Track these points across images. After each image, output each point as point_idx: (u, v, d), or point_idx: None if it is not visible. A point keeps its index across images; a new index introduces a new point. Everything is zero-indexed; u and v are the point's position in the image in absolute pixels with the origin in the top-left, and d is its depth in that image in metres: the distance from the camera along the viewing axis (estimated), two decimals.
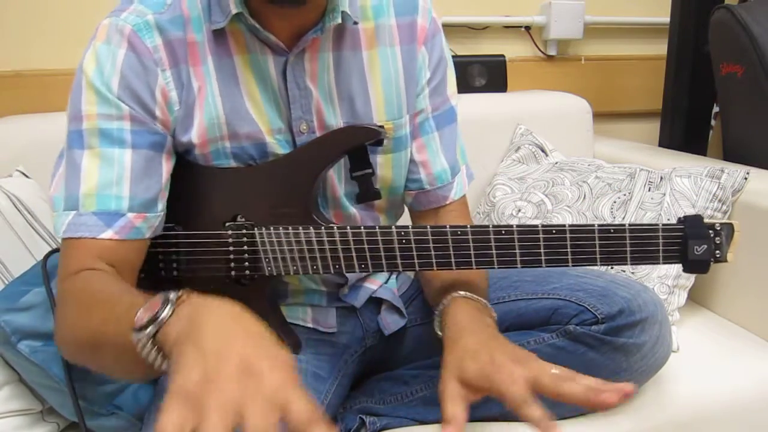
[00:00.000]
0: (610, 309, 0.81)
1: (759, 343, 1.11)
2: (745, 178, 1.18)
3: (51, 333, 0.77)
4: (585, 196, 1.26)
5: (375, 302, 0.92)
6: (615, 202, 1.22)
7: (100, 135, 0.71)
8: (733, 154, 1.45)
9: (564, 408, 0.86)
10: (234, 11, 0.73)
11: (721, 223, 0.73)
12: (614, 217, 1.19)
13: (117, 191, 0.71)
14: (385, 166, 0.85)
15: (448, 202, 0.90)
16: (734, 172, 1.19)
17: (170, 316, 0.54)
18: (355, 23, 0.79)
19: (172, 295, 0.56)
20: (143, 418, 0.72)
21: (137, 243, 0.73)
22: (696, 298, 1.25)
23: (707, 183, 1.18)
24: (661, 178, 1.23)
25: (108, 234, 0.70)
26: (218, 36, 0.75)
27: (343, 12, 0.76)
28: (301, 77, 0.78)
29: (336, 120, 0.81)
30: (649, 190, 1.22)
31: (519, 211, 1.27)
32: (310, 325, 0.89)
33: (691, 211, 1.17)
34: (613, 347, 0.81)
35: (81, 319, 0.65)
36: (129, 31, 0.72)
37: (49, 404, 0.84)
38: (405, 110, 0.84)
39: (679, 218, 0.72)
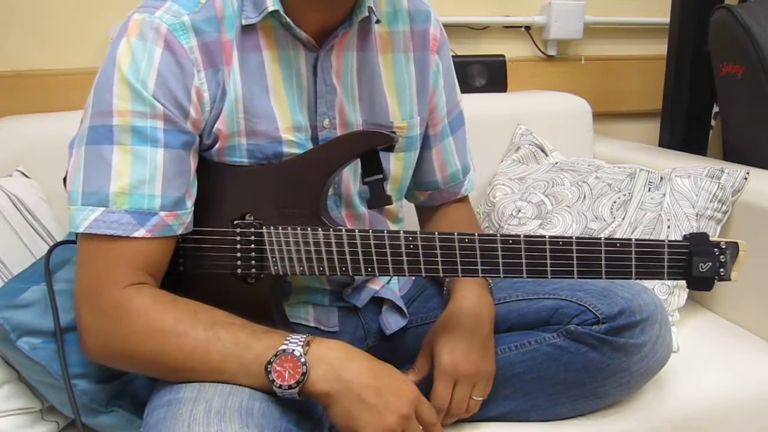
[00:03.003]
0: (610, 309, 0.81)
1: (759, 343, 1.11)
2: (745, 178, 1.18)
3: (50, 330, 0.77)
4: (585, 196, 1.26)
5: (376, 302, 0.92)
6: (615, 202, 1.22)
7: (132, 132, 0.70)
8: (733, 154, 1.45)
9: (563, 408, 0.86)
10: (271, 8, 0.73)
11: (726, 242, 0.73)
12: (614, 218, 1.19)
13: (150, 190, 0.70)
14: (396, 165, 0.88)
15: (458, 198, 0.98)
16: (734, 172, 1.19)
17: (310, 371, 0.66)
18: (378, 21, 0.82)
19: (299, 352, 0.66)
20: (143, 415, 0.71)
21: (168, 240, 0.73)
22: (696, 298, 1.25)
23: (707, 183, 1.18)
24: (661, 178, 1.23)
25: (141, 233, 0.70)
26: (247, 31, 0.76)
27: (369, 7, 0.78)
28: (328, 74, 0.80)
29: (356, 118, 0.83)
30: (649, 191, 1.22)
31: (519, 211, 1.27)
32: (312, 324, 0.89)
33: (691, 212, 1.17)
34: (613, 347, 0.81)
35: (149, 346, 0.69)
36: (165, 31, 0.72)
37: (49, 403, 0.84)
38: (416, 112, 0.88)
39: (685, 235, 0.73)
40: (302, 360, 0.65)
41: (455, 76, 0.96)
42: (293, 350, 0.65)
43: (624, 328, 0.81)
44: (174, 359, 0.68)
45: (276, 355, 0.65)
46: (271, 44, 0.77)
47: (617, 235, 1.16)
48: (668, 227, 1.15)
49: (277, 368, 0.65)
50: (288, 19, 0.74)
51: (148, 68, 0.71)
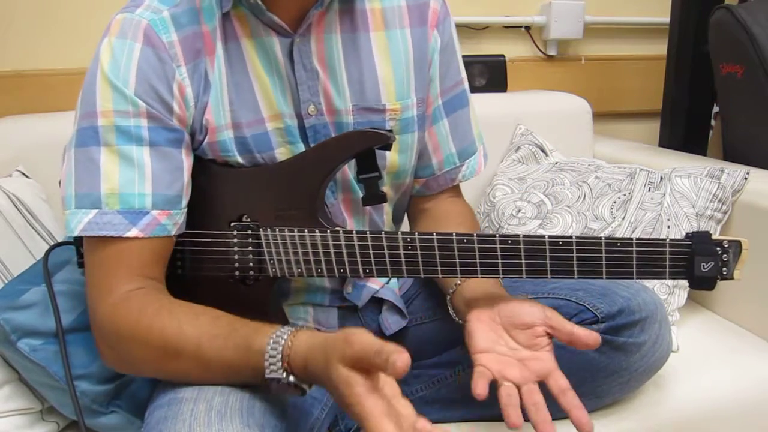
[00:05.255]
0: (610, 308, 0.81)
1: (759, 343, 1.11)
2: (745, 178, 1.18)
3: (51, 331, 0.77)
4: (585, 196, 1.26)
5: (376, 302, 0.92)
6: (615, 202, 1.22)
7: (117, 132, 0.70)
8: (733, 154, 1.45)
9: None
10: None
11: (729, 240, 0.72)
12: (614, 218, 1.19)
13: (140, 189, 0.70)
14: (392, 150, 0.84)
15: (453, 185, 0.94)
16: (734, 172, 1.19)
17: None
18: None
19: (286, 380, 0.63)
20: (143, 415, 0.72)
21: (164, 241, 0.73)
22: (696, 298, 1.25)
23: (707, 183, 1.18)
24: (661, 178, 1.23)
25: (133, 232, 0.70)
26: (226, 21, 0.75)
27: None
28: (308, 58, 0.78)
29: (344, 103, 0.81)
30: (649, 190, 1.22)
31: (519, 211, 1.27)
32: (311, 325, 0.89)
33: (691, 212, 1.17)
34: (612, 346, 0.81)
35: (147, 360, 0.69)
36: (145, 26, 0.72)
37: (49, 403, 0.84)
38: (413, 92, 0.85)
39: (687, 234, 0.72)
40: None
41: (458, 53, 0.90)
42: (280, 379, 0.63)
43: (623, 327, 0.81)
44: (175, 376, 0.68)
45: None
46: (246, 32, 0.76)
47: (617, 235, 1.16)
48: (668, 227, 1.15)
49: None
50: (256, 1, 0.73)
51: (128, 65, 0.71)
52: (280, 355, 0.62)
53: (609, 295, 0.82)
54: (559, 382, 0.68)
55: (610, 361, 0.81)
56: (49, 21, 1.35)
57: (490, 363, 0.70)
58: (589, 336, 0.69)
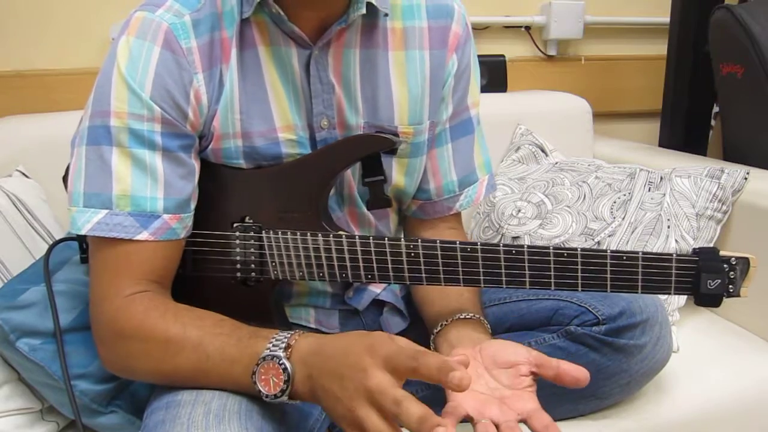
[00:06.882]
0: (611, 310, 0.81)
1: (759, 343, 1.11)
2: (745, 178, 1.18)
3: (50, 331, 0.77)
4: (585, 196, 1.26)
5: (377, 304, 0.92)
6: (615, 202, 1.22)
7: (130, 134, 0.69)
8: (733, 154, 1.46)
9: (563, 408, 0.86)
10: None
11: (736, 258, 0.71)
12: (614, 218, 1.19)
13: (152, 193, 0.70)
14: (398, 171, 0.84)
15: (450, 213, 0.90)
16: (734, 172, 1.19)
17: (294, 375, 0.61)
18: (386, 15, 0.78)
19: (279, 358, 0.61)
20: (142, 416, 0.71)
21: (173, 244, 0.72)
22: None
23: (707, 183, 1.19)
24: (661, 178, 1.23)
25: (144, 235, 0.69)
26: (245, 27, 0.74)
27: (368, 3, 0.75)
28: (324, 72, 0.77)
29: (357, 119, 0.80)
30: (649, 190, 1.22)
31: (519, 211, 1.27)
32: (313, 326, 0.89)
33: (691, 212, 1.17)
34: (613, 348, 0.81)
35: (147, 367, 0.69)
36: (166, 29, 0.70)
37: (48, 403, 0.84)
38: (426, 116, 0.84)
39: (694, 249, 0.71)
40: (283, 366, 0.61)
41: (475, 78, 0.89)
42: (273, 356, 0.61)
43: (624, 329, 0.80)
44: (174, 379, 0.68)
45: (258, 364, 0.62)
46: (264, 40, 0.75)
47: (617, 235, 1.16)
48: (668, 227, 1.15)
49: (263, 377, 0.62)
50: (279, 10, 0.72)
51: (145, 68, 0.70)
52: (285, 341, 0.62)
53: (610, 296, 0.82)
54: (543, 420, 0.62)
55: (610, 363, 0.81)
56: (49, 21, 1.35)
57: (465, 400, 0.64)
58: (578, 370, 0.64)
